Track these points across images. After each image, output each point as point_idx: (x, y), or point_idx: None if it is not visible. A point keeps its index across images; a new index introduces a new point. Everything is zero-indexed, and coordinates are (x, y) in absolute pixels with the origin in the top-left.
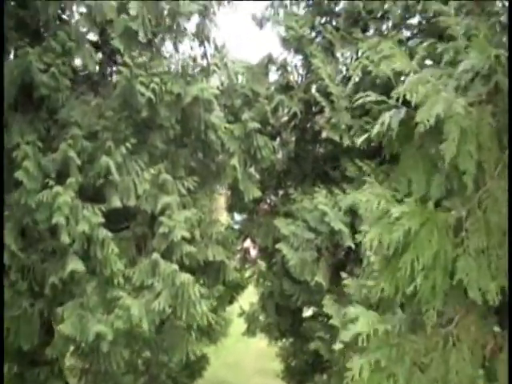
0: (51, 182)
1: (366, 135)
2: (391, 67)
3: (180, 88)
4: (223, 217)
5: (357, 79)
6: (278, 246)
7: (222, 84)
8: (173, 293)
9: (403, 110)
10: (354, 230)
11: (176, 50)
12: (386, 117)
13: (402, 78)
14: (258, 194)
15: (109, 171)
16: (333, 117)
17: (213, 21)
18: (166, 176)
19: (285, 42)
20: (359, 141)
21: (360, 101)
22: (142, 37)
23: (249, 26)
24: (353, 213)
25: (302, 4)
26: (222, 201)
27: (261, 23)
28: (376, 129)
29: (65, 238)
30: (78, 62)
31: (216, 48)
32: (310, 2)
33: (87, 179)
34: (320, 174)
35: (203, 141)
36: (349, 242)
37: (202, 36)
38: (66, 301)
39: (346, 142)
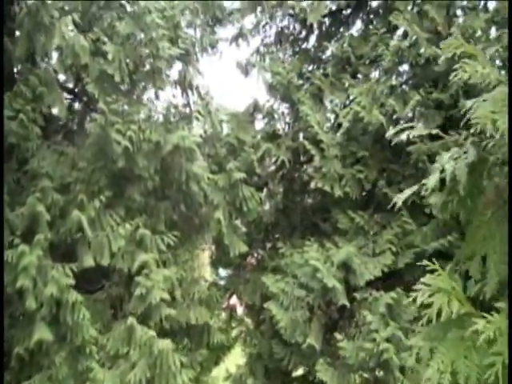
0: (17, 240)
1: (407, 193)
2: (384, 113)
3: (159, 136)
4: (207, 273)
5: (347, 126)
6: (266, 305)
7: (205, 132)
8: (150, 362)
9: (472, 150)
10: (347, 287)
11: (156, 96)
12: (444, 160)
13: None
14: (244, 248)
15: (81, 227)
16: (323, 166)
17: (196, 68)
18: (144, 231)
19: (271, 89)
20: (399, 200)
21: (404, 135)
22: (118, 81)
23: (233, 73)
24: (346, 267)
25: (289, 51)
26: (205, 255)
27: (246, 70)
28: (432, 180)
29: (31, 303)
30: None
31: (199, 95)
32: (297, 49)
33: (58, 236)
34: (309, 226)
35: (185, 192)
36: (343, 300)
37: (184, 83)
38: (33, 373)
39: (338, 193)
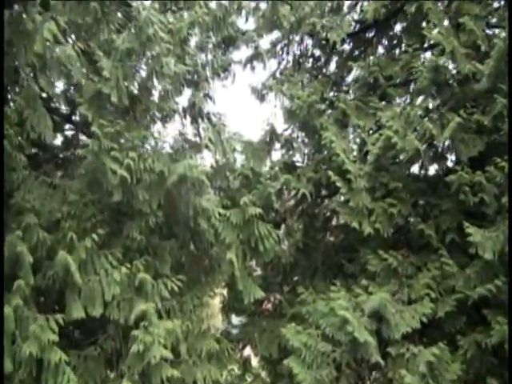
0: None
1: None
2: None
3: (163, 165)
4: (218, 320)
5: (377, 153)
6: (286, 361)
7: (216, 162)
8: None
9: None
10: (379, 339)
11: (163, 123)
12: None
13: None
14: (260, 294)
15: (69, 271)
16: (350, 199)
17: (207, 93)
18: (143, 275)
19: (290, 115)
20: None
21: None
22: (115, 102)
23: (248, 99)
24: (378, 317)
25: (309, 75)
26: (216, 301)
27: (261, 95)
28: None
29: (7, 365)
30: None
31: (210, 122)
32: (318, 72)
33: (45, 281)
34: (333, 267)
35: (193, 230)
36: (376, 356)
37: (193, 110)
38: None
39: (367, 229)
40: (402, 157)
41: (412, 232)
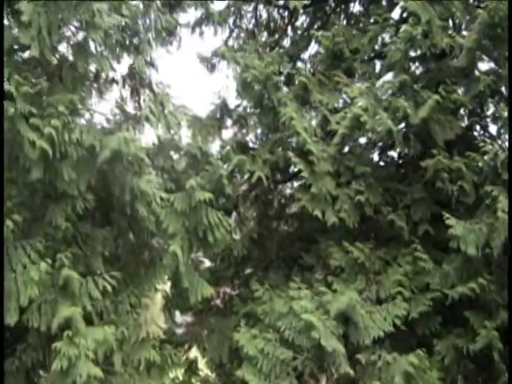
0: None
1: None
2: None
3: (94, 138)
4: (160, 319)
5: (343, 133)
6: (240, 372)
7: (158, 139)
8: None
9: None
10: (346, 344)
11: (98, 93)
12: None
13: None
14: (208, 291)
15: None
16: (312, 184)
17: (150, 61)
18: (69, 272)
19: (244, 87)
20: None
21: None
22: (35, 54)
23: (196, 68)
24: (345, 319)
25: (266, 44)
26: (157, 298)
27: (212, 65)
28: None
29: None
30: None
31: (152, 92)
32: (276, 41)
33: None
34: (288, 259)
35: (130, 217)
36: (345, 366)
37: (134, 80)
38: None
39: (332, 219)
40: (371, 138)
41: (380, 222)
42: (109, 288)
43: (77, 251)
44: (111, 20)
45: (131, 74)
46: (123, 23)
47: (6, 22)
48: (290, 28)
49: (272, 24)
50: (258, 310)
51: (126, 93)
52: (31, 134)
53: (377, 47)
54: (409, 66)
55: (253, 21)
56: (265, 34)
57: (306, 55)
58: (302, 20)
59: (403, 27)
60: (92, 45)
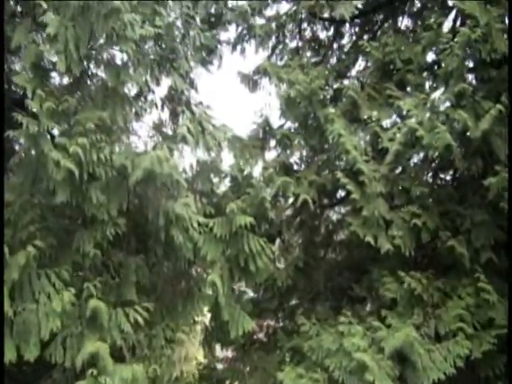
0: None
1: None
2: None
3: (125, 158)
4: (199, 354)
5: (397, 150)
6: None
7: (197, 161)
8: None
9: None
10: None
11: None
12: None
13: None
14: (250, 325)
15: None
16: (364, 207)
17: (186, 76)
18: (96, 303)
19: (288, 104)
20: None
21: None
22: (62, 69)
23: (237, 88)
24: (401, 358)
25: (311, 59)
26: (196, 330)
27: (253, 82)
28: None
29: None
30: None
31: (191, 111)
32: (322, 55)
33: None
34: (336, 290)
35: (166, 244)
36: None
37: (173, 101)
38: None
39: (386, 246)
40: (427, 155)
41: (438, 249)
42: (140, 320)
43: (108, 280)
44: (143, 32)
45: (170, 96)
46: (158, 38)
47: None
48: (335, 43)
49: (317, 40)
50: (305, 345)
51: (165, 116)
52: (56, 153)
53: (431, 56)
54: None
55: (297, 37)
56: (309, 52)
57: (353, 72)
58: (348, 33)
59: (461, 30)
60: (124, 60)
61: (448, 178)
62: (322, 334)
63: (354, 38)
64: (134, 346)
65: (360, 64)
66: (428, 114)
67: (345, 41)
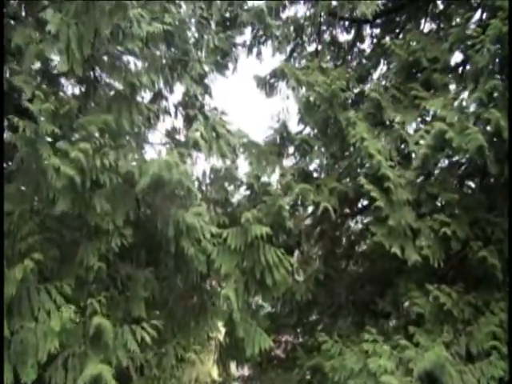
0: None
1: None
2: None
3: (132, 164)
4: (214, 371)
5: (424, 154)
6: None
7: (211, 168)
8: None
9: None
10: None
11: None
12: None
13: None
14: (267, 342)
15: None
16: (389, 215)
17: (200, 81)
18: (100, 320)
19: (307, 108)
20: None
21: None
22: (63, 70)
23: (253, 94)
24: (431, 379)
25: (331, 61)
26: (211, 348)
27: (270, 86)
28: None
29: None
30: None
31: (203, 115)
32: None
33: None
34: (359, 304)
35: (177, 256)
36: None
37: (187, 109)
38: None
39: (413, 257)
40: (457, 159)
41: (469, 260)
42: (148, 339)
43: (115, 295)
44: (151, 29)
45: (184, 102)
46: (169, 39)
47: (28, 32)
48: (356, 47)
49: (336, 44)
50: (326, 365)
51: (179, 123)
52: (56, 159)
53: (458, 57)
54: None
55: (316, 40)
56: (328, 56)
57: (375, 76)
58: (369, 35)
59: (492, 23)
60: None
61: (474, 184)
62: (345, 353)
63: (375, 40)
64: (141, 366)
65: (382, 68)
66: (457, 115)
67: (366, 44)
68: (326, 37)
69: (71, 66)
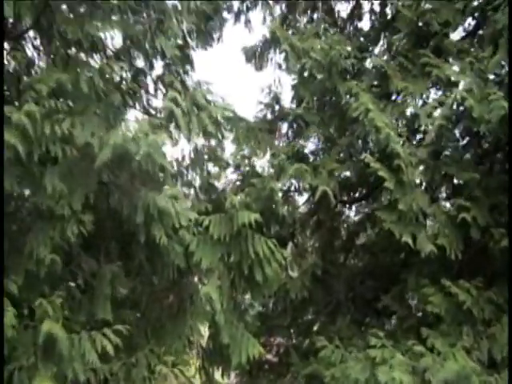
0: None
1: None
2: None
3: (91, 134)
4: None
5: (439, 126)
6: None
7: (194, 148)
8: None
9: None
10: None
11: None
12: None
13: None
14: (256, 349)
15: None
16: (400, 199)
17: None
18: (52, 326)
19: (302, 78)
20: None
21: None
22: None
23: (240, 66)
24: None
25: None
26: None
27: (259, 55)
28: None
29: None
30: None
31: (183, 86)
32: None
33: None
34: (359, 301)
35: (148, 247)
36: None
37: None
38: None
39: (428, 247)
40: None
41: (490, 250)
42: (109, 348)
43: (76, 295)
44: None
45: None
46: None
47: None
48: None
49: (333, 12)
50: (326, 373)
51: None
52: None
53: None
54: None
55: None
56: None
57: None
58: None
59: None
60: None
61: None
62: (348, 360)
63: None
64: (105, 380)
65: (386, 37)
66: (478, 81)
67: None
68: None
69: (18, 10)
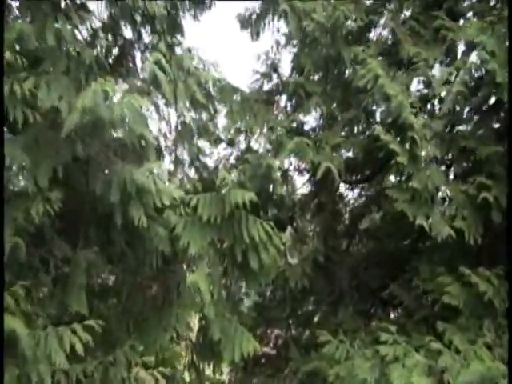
0: None
1: None
2: None
3: (59, 98)
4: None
5: (457, 92)
6: None
7: (180, 116)
8: None
9: None
10: None
11: None
12: None
13: None
14: (252, 346)
15: None
16: (413, 176)
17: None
18: (12, 323)
19: (303, 44)
20: None
21: None
22: None
23: (236, 35)
24: None
25: None
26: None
27: (255, 21)
28: None
29: None
30: None
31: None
32: None
33: None
34: (363, 290)
35: (128, 230)
36: None
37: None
38: None
39: (445, 230)
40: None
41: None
42: (79, 347)
43: (47, 285)
44: None
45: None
46: None
47: None
48: None
49: None
50: (329, 372)
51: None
52: None
53: None
54: None
55: None
56: None
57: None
58: None
59: None
60: None
61: None
62: (354, 357)
63: None
64: (79, 382)
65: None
66: (499, 44)
67: None
68: None
69: None
